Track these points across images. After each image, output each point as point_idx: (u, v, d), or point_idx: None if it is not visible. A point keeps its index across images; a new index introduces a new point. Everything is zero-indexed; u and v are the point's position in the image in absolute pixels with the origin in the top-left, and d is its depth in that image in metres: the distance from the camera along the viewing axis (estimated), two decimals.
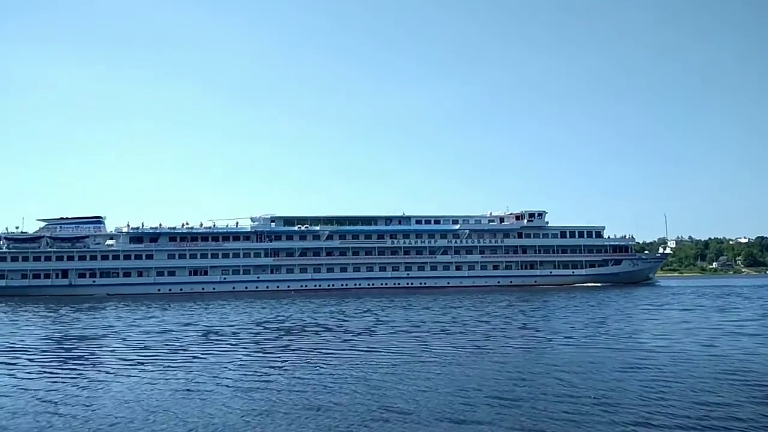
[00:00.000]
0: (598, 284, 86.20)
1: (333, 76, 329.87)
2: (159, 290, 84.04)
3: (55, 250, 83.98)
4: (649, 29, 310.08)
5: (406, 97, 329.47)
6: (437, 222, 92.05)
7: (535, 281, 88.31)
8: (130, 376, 16.93)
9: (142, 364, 19.09)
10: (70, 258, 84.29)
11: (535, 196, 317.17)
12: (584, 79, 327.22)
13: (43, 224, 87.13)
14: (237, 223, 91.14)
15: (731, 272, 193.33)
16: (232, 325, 32.12)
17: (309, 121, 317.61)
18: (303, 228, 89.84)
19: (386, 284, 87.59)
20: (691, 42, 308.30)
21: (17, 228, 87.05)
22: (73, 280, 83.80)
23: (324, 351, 21.19)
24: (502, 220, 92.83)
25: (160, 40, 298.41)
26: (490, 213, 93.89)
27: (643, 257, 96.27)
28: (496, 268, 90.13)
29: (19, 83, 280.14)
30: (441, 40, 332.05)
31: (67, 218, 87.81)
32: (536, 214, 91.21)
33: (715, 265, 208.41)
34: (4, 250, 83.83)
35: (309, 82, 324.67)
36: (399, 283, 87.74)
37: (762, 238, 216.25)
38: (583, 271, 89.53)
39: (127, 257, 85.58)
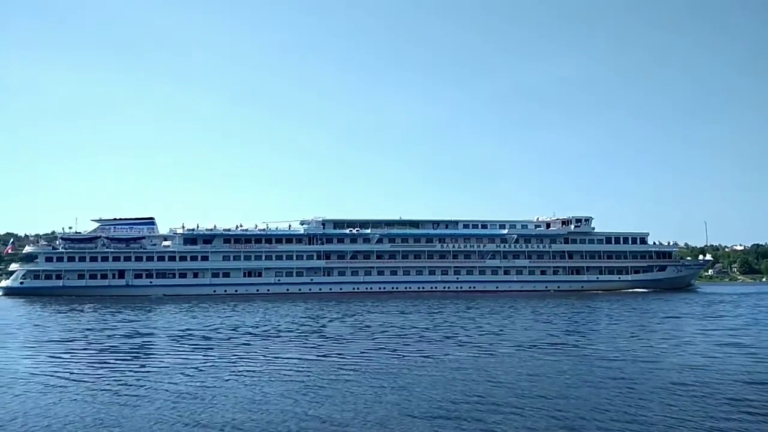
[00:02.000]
0: (644, 290, 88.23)
1: (336, 82, 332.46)
2: (214, 291, 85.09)
3: (111, 250, 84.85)
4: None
5: (404, 103, 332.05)
6: (484, 226, 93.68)
7: (582, 287, 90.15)
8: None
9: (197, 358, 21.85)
10: (127, 258, 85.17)
11: (537, 202, 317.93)
12: (583, 86, 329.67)
13: (97, 225, 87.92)
14: (289, 225, 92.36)
15: (727, 279, 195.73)
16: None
17: (313, 128, 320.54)
18: (354, 231, 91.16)
19: (435, 288, 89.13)
20: (685, 48, 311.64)
21: (70, 228, 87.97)
22: (130, 281, 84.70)
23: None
24: (548, 225, 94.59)
25: (188, 46, 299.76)
26: (537, 218, 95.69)
27: (687, 263, 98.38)
28: (543, 273, 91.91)
29: (65, 87, 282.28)
30: (442, 48, 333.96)
31: (120, 219, 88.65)
32: (583, 220, 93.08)
33: (711, 272, 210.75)
34: (61, 250, 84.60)
35: (313, 89, 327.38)
36: (448, 287, 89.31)
37: (757, 245, 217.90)
38: (628, 277, 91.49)
39: (182, 258, 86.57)
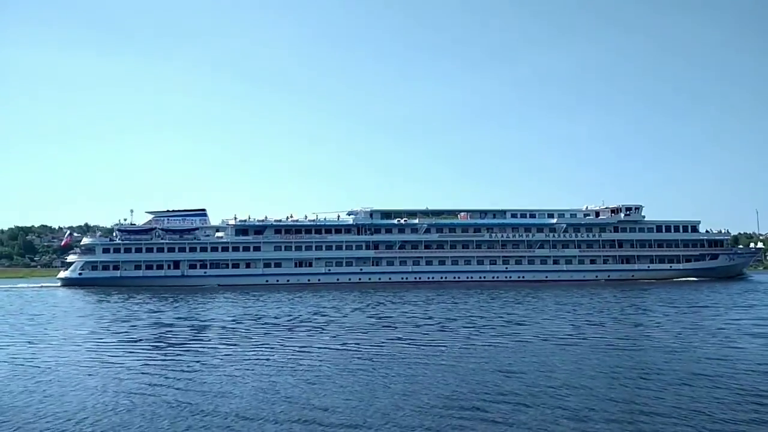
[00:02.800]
0: (695, 279, 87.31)
1: (363, 73, 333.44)
2: (267, 281, 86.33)
3: (167, 241, 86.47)
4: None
5: (425, 93, 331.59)
6: (533, 216, 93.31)
7: (633, 275, 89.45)
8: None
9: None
10: (182, 249, 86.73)
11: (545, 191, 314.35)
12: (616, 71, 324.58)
13: (151, 216, 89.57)
14: (338, 216, 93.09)
15: (761, 267, 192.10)
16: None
17: (345, 118, 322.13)
18: (402, 221, 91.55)
19: (484, 278, 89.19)
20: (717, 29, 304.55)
21: (125, 220, 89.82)
22: (185, 271, 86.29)
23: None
24: (597, 214, 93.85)
25: (224, 35, 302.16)
26: (586, 207, 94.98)
27: (739, 252, 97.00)
28: (593, 262, 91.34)
29: (115, 79, 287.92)
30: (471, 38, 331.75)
31: (173, 210, 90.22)
32: (633, 208, 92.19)
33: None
34: (118, 241, 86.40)
35: (343, 78, 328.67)
36: (497, 277, 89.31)
37: None
38: (680, 266, 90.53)
39: (235, 249, 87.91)
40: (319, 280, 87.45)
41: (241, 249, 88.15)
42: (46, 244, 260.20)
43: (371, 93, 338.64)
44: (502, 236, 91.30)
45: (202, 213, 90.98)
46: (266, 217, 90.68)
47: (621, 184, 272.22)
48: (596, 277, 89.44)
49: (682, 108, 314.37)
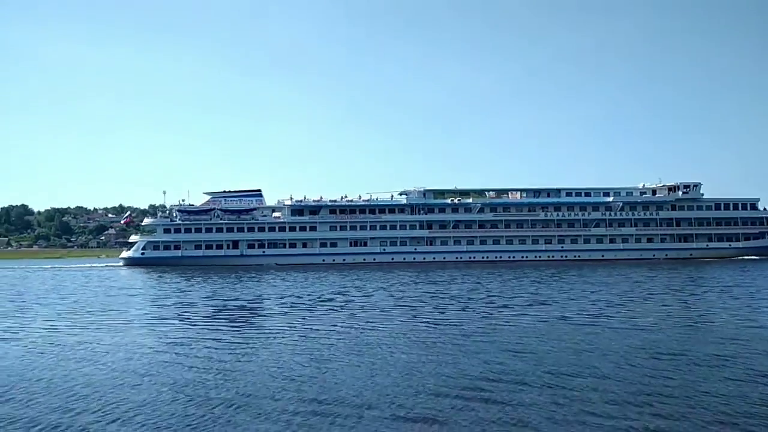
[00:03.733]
0: (755, 257, 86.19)
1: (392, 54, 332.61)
2: (323, 260, 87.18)
3: (226, 221, 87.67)
4: None
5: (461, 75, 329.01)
6: (588, 194, 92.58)
7: (691, 254, 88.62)
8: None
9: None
10: (240, 229, 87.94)
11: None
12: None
13: (208, 197, 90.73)
14: (391, 196, 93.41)
15: None
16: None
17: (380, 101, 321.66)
18: (455, 200, 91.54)
19: (539, 257, 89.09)
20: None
21: (183, 201, 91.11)
22: (244, 251, 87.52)
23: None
24: (654, 192, 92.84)
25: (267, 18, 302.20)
26: (643, 185, 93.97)
27: None
28: (650, 240, 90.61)
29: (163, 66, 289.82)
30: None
31: (230, 191, 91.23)
32: (691, 186, 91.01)
33: None
34: (179, 222, 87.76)
35: (371, 60, 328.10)
36: (552, 256, 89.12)
37: None
38: (739, 244, 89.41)
39: (292, 229, 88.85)
40: (374, 259, 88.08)
41: (297, 229, 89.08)
42: (81, 225, 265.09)
43: (412, 77, 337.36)
44: (557, 215, 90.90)
45: (257, 193, 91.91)
46: (321, 198, 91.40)
47: (678, 162, 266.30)
48: (653, 255, 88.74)
49: (741, 81, 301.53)
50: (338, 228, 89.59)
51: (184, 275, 62.52)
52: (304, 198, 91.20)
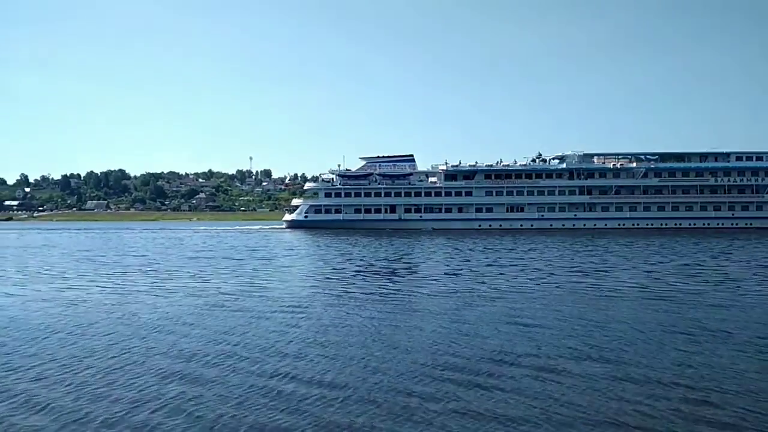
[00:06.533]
0: None
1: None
2: (479, 226, 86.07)
3: (384, 186, 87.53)
4: None
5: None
6: (759, 158, 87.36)
7: None
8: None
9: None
10: (397, 194, 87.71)
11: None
12: None
13: (363, 162, 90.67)
14: (545, 160, 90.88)
15: None
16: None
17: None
18: (618, 165, 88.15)
19: (708, 224, 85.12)
20: None
21: (339, 165, 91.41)
22: (402, 215, 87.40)
23: None
24: None
25: None
26: None
27: None
28: None
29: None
30: None
31: (383, 156, 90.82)
32: None
33: None
34: (339, 186, 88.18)
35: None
36: (722, 224, 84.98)
37: None
38: None
39: (447, 194, 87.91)
40: (531, 225, 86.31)
41: (453, 194, 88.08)
42: (174, 189, 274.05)
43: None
44: (727, 180, 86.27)
45: (410, 158, 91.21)
46: (477, 162, 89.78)
47: None
48: None
49: None
50: (494, 193, 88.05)
51: (367, 236, 62.46)
52: (459, 163, 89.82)
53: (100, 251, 45.17)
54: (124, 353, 12.04)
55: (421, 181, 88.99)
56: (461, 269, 29.56)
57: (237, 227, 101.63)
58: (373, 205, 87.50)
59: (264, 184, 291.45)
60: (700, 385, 9.89)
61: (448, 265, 31.64)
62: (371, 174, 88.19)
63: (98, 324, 15.15)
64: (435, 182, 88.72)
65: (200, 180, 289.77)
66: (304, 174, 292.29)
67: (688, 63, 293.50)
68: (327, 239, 61.95)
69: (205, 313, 16.81)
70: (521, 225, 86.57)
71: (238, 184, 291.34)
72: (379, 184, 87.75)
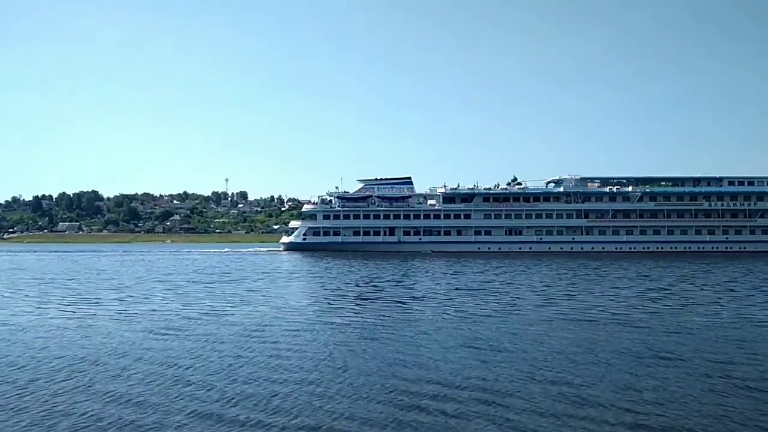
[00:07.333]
0: None
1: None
2: (478, 249, 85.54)
3: (383, 209, 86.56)
4: None
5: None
6: (751, 183, 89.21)
7: None
8: None
9: None
10: (396, 216, 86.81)
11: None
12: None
13: (361, 185, 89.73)
14: (546, 184, 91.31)
15: None
16: None
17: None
18: (613, 189, 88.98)
19: (702, 248, 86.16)
20: None
21: (337, 188, 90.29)
22: (401, 237, 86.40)
23: None
24: None
25: None
26: None
27: None
28: None
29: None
30: None
31: (381, 179, 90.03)
32: None
33: None
34: (338, 208, 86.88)
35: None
36: (716, 248, 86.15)
37: None
38: None
39: (446, 216, 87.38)
40: (530, 248, 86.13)
41: (452, 217, 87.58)
42: (148, 210, 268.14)
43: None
44: (720, 205, 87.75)
45: (407, 181, 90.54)
46: (475, 185, 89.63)
47: None
48: None
49: None
50: (492, 216, 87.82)
51: (370, 260, 61.22)
52: (458, 185, 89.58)
53: (68, 274, 43.82)
54: (71, 378, 12.05)
55: (419, 203, 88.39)
56: (429, 293, 29.77)
57: (229, 250, 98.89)
58: (372, 228, 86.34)
59: (240, 206, 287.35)
60: (642, 408, 10.04)
61: (416, 289, 31.71)
62: (370, 196, 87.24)
63: (49, 348, 15.22)
64: (434, 205, 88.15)
65: (175, 201, 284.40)
66: (281, 196, 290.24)
67: (668, 88, 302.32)
68: (316, 261, 61.04)
69: (159, 338, 16.72)
70: (520, 248, 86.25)
71: (214, 206, 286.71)
72: (378, 206, 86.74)
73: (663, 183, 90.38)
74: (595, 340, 16.24)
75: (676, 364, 13.34)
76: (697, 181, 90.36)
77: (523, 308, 23.36)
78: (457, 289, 31.46)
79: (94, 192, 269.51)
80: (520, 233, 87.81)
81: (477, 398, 10.60)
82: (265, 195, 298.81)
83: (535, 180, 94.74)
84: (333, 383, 11.61)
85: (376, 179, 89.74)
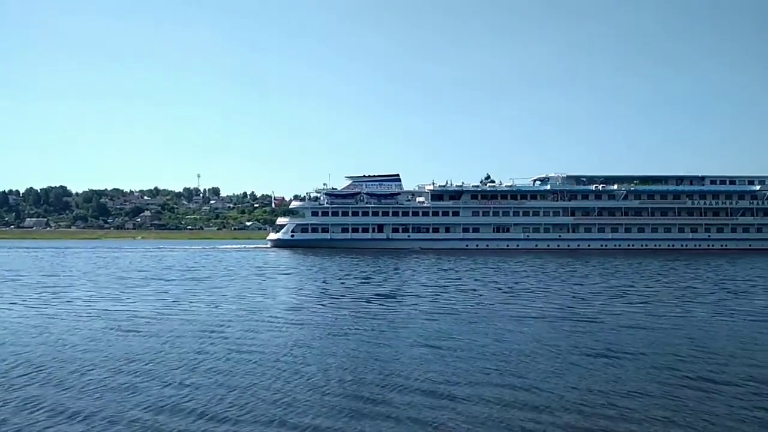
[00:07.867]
0: None
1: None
2: (467, 246, 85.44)
3: (372, 206, 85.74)
4: None
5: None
6: (732, 182, 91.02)
7: None
8: None
9: None
10: (385, 213, 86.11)
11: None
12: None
13: (349, 181, 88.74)
14: (533, 182, 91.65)
15: None
16: None
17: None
18: (599, 187, 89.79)
19: (686, 246, 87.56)
20: None
21: (325, 185, 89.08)
22: (389, 234, 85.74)
23: None
24: None
25: None
26: None
27: None
28: None
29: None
30: None
31: (370, 176, 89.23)
32: None
33: None
34: (327, 205, 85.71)
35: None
36: (699, 245, 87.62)
37: None
38: None
39: (435, 213, 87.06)
40: (517, 246, 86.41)
41: (440, 214, 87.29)
42: (118, 206, 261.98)
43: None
44: (703, 203, 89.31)
45: (396, 178, 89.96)
46: (463, 183, 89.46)
47: None
48: None
49: None
50: (480, 213, 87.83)
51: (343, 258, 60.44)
52: (446, 183, 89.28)
53: (33, 271, 42.19)
54: (28, 373, 11.99)
55: (408, 200, 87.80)
56: (398, 290, 29.58)
57: (216, 246, 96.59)
58: (361, 225, 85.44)
59: (212, 202, 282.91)
60: (597, 404, 10.18)
61: (385, 287, 31.22)
62: (358, 193, 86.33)
63: (5, 345, 14.97)
64: (422, 202, 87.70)
65: (145, 197, 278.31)
66: (253, 192, 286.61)
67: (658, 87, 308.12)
68: (303, 258, 60.35)
69: (114, 336, 16.37)
70: (507, 245, 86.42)
71: (185, 202, 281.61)
72: (366, 203, 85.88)
73: (647, 181, 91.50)
74: (556, 337, 16.35)
75: (628, 358, 13.66)
76: (680, 179, 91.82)
77: (488, 306, 23.33)
78: (433, 286, 31.19)
79: (62, 187, 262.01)
80: (508, 230, 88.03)
81: (432, 391, 10.82)
82: (238, 191, 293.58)
83: (522, 178, 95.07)
84: (291, 379, 11.74)
85: (364, 176, 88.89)
